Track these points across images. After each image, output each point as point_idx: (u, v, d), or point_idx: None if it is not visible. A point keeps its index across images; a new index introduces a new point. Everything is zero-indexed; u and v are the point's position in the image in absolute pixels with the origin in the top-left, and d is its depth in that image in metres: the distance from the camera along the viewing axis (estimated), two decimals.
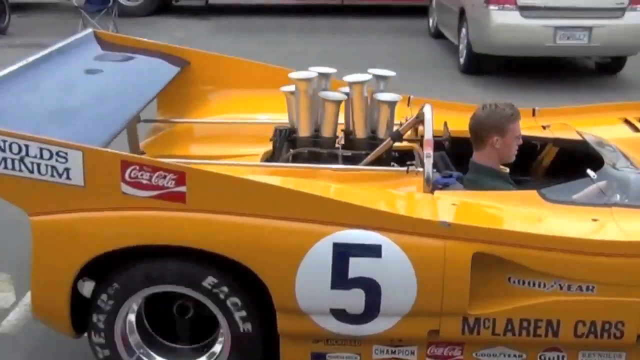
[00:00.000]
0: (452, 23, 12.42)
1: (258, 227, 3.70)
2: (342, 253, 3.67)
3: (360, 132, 4.47)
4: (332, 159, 4.48)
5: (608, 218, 3.91)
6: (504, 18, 10.68)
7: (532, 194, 4.06)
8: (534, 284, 3.76)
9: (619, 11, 10.71)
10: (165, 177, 3.66)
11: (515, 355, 3.92)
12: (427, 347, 3.93)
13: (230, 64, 5.47)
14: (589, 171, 4.16)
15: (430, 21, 14.77)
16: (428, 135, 4.12)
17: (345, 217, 3.70)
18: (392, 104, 4.41)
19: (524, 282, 3.76)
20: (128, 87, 4.83)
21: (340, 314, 3.78)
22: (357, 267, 3.68)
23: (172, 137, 5.04)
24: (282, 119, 4.90)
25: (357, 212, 3.72)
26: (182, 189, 3.67)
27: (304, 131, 4.49)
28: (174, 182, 3.66)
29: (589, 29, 10.64)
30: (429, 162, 4.03)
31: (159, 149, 4.88)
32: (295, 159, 4.50)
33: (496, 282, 3.76)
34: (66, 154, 3.65)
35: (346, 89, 4.56)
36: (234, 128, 5.02)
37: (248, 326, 3.89)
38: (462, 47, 11.75)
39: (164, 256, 3.82)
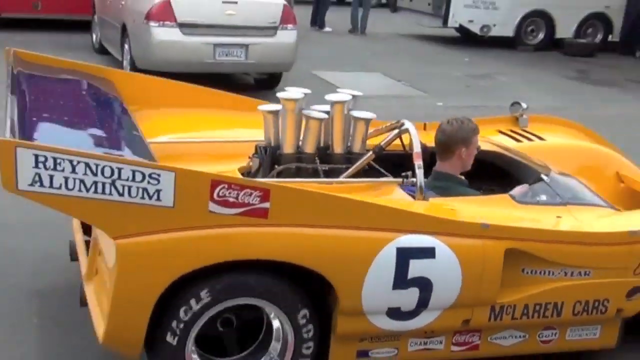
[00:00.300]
0: (115, 39, 12.57)
1: (333, 237, 4.02)
2: (404, 256, 4.10)
3: (338, 148, 4.86)
4: (315, 173, 4.81)
5: (568, 214, 4.71)
6: (164, 35, 11.06)
7: (505, 197, 4.75)
8: (544, 273, 4.45)
9: (272, 30, 11.63)
10: (251, 194, 3.84)
11: (519, 336, 4.59)
12: (453, 336, 4.46)
13: (153, 83, 5.55)
14: (542, 175, 4.93)
15: (94, 36, 14.78)
16: (417, 149, 4.64)
17: (405, 223, 4.15)
18: (367, 121, 4.86)
19: (535, 272, 4.44)
20: (103, 109, 4.81)
21: (393, 312, 4.21)
22: (415, 268, 4.13)
23: None
24: (216, 136, 5.18)
25: (415, 219, 4.19)
26: (266, 205, 3.88)
27: (288, 148, 4.78)
28: (259, 199, 3.86)
29: (246, 46, 11.43)
30: (420, 173, 4.56)
31: None
32: (280, 174, 4.77)
33: (512, 273, 4.39)
34: (159, 175, 3.70)
35: (319, 107, 4.91)
36: (185, 147, 5.14)
37: (311, 332, 4.18)
38: (125, 63, 11.90)
39: (237, 270, 3.98)
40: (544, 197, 4.81)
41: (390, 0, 23.07)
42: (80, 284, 4.56)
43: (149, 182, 3.69)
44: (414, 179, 4.58)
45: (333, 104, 4.80)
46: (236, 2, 11.37)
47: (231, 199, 3.82)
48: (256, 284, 4.00)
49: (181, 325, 3.97)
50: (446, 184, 4.86)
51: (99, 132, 4.37)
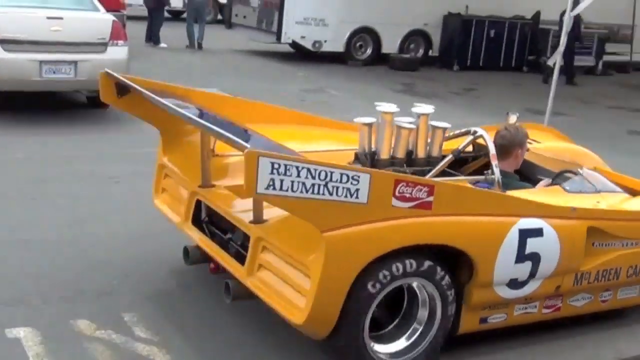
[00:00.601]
0: None
1: (477, 222, 4.92)
2: (523, 236, 5.05)
3: (421, 153, 5.73)
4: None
5: (602, 199, 5.80)
6: None
7: (558, 188, 5.79)
8: (608, 245, 5.53)
9: (101, 46, 11.42)
10: (421, 190, 4.66)
11: (587, 298, 5.64)
12: (544, 301, 5.45)
13: (227, 102, 6.19)
14: (579, 169, 6.01)
15: None
16: (492, 151, 5.62)
17: (523, 209, 5.11)
18: (444, 130, 5.77)
19: (602, 244, 5.51)
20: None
21: (512, 283, 5.14)
22: (530, 245, 5.09)
23: (227, 168, 5.72)
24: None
25: (529, 205, 5.16)
26: (431, 198, 4.71)
27: (384, 154, 5.60)
28: (426, 193, 4.70)
29: (75, 63, 11.15)
30: (497, 171, 5.54)
31: (236, 179, 5.61)
32: None
33: (586, 247, 5.43)
34: (359, 177, 4.45)
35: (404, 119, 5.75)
36: None
37: (454, 302, 5.04)
38: None
39: (404, 255, 4.78)
40: (584, 187, 5.86)
41: (225, 16, 23.55)
42: (227, 283, 5.14)
43: (351, 183, 4.42)
44: (493, 176, 5.52)
45: (419, 115, 5.67)
46: (62, 18, 11.16)
47: (407, 195, 4.62)
48: (419, 265, 4.80)
49: (363, 306, 4.71)
50: (506, 179, 5.80)
51: (270, 144, 5.04)
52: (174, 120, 5.90)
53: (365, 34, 20.72)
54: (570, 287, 5.44)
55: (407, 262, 4.76)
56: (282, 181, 4.23)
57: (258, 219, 5.06)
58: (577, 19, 19.31)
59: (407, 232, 4.68)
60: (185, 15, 22.17)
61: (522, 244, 5.05)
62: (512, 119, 6.87)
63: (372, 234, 4.57)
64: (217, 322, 5.54)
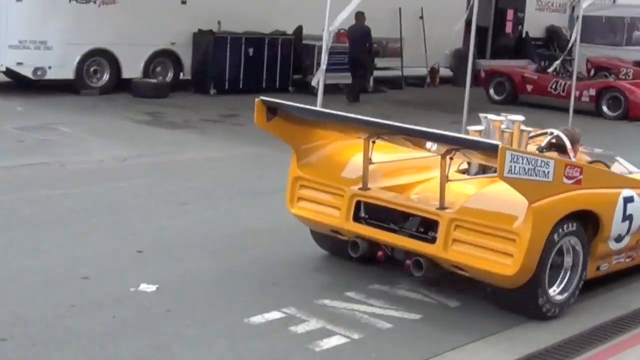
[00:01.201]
0: None
1: (605, 193, 6.78)
2: (625, 202, 6.95)
3: None
4: None
5: (637, 176, 7.83)
6: None
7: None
8: None
9: None
10: (577, 170, 6.45)
11: None
12: (627, 252, 7.36)
13: None
14: (615, 157, 7.99)
15: None
16: (569, 145, 7.47)
17: (624, 183, 7.02)
18: (528, 132, 7.56)
19: None
20: None
21: (617, 237, 7.02)
22: (629, 208, 6.99)
23: (377, 173, 7.20)
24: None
25: (627, 180, 7.10)
26: (581, 176, 6.49)
27: None
28: (579, 172, 6.48)
29: None
30: (574, 160, 7.42)
31: (381, 181, 7.13)
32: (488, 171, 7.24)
33: None
34: (549, 163, 6.17)
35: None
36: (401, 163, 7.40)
37: (588, 251, 6.83)
38: None
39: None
40: (622, 170, 7.82)
41: None
42: (418, 260, 6.63)
43: (545, 167, 6.12)
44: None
45: (513, 122, 7.43)
46: None
47: (570, 174, 6.37)
48: (573, 225, 6.54)
49: (547, 258, 6.39)
50: None
51: None
52: (308, 139, 7.38)
53: (101, 57, 17.66)
54: None
55: (570, 223, 6.48)
56: (515, 167, 5.86)
57: (443, 206, 6.59)
58: (369, 31, 19.15)
59: (574, 201, 6.43)
60: None
61: (625, 208, 6.93)
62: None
63: (556, 204, 6.28)
64: None
